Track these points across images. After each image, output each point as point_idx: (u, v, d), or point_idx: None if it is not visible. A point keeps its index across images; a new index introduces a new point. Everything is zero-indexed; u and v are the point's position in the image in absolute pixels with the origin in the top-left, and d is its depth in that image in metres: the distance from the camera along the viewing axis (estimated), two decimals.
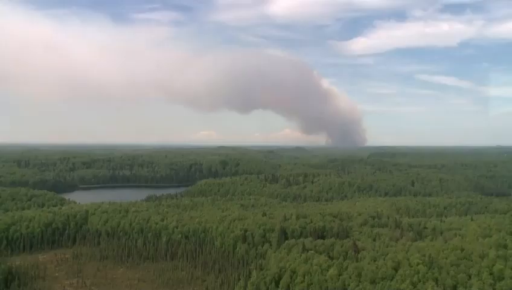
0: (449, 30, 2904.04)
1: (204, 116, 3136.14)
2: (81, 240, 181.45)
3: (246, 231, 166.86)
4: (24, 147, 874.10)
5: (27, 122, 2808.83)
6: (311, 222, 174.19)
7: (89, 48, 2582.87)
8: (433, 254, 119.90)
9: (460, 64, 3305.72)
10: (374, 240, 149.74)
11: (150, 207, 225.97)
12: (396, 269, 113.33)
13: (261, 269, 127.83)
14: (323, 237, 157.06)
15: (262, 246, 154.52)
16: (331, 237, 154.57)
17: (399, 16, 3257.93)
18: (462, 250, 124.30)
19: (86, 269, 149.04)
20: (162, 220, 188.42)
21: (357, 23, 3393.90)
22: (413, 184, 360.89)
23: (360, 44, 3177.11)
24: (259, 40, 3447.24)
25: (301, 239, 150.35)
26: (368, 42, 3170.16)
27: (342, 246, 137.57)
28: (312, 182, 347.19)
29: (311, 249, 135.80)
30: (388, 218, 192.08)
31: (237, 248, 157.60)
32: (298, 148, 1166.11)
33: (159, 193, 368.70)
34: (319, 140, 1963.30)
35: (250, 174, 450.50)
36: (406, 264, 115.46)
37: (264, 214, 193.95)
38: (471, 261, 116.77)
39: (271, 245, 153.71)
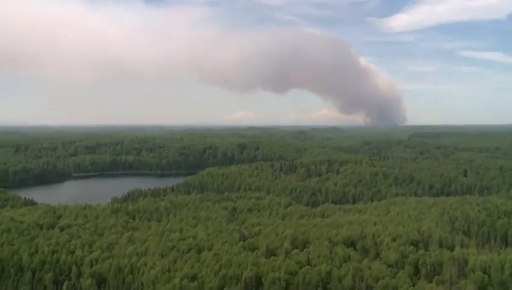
0: (496, 2, 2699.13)
1: (240, 97, 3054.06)
2: None
3: (193, 278, 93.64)
4: (47, 129, 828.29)
5: (57, 104, 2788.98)
6: (309, 260, 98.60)
7: (121, 29, 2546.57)
8: None
9: (508, 38, 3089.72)
10: None
11: (99, 215, 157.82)
12: None
13: None
14: None
15: None
16: None
17: None
18: None
19: None
20: (83, 246, 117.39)
21: None
22: (465, 174, 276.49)
23: (400, 20, 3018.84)
24: (295, 18, 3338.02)
25: None
26: (408, 18, 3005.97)
27: None
28: (337, 173, 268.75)
29: None
30: (441, 246, 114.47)
31: None
32: (333, 129, 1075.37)
33: (157, 183, 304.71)
34: (357, 120, 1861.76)
35: (270, 159, 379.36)
36: None
37: (243, 238, 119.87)
38: None
39: None
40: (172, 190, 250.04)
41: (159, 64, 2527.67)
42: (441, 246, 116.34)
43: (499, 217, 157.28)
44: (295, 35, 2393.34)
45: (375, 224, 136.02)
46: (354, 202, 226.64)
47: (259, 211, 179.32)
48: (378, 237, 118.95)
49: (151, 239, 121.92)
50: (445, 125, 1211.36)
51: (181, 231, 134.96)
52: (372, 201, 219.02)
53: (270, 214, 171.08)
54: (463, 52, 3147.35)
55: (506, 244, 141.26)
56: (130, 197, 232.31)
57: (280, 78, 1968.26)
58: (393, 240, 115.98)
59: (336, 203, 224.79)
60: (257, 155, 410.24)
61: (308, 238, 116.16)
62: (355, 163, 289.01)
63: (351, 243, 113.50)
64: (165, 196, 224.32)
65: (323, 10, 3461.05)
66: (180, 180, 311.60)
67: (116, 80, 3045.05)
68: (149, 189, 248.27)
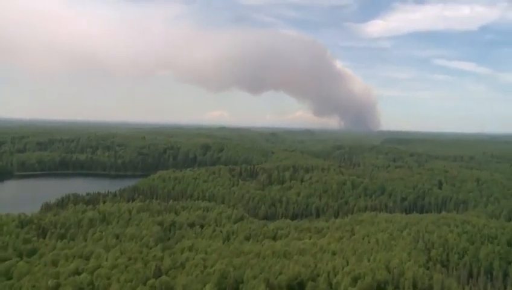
0: (470, 13, 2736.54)
1: (215, 96, 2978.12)
2: None
3: None
4: (5, 123, 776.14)
5: (26, 96, 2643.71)
6: None
7: (95, 22, 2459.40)
8: None
9: (480, 49, 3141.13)
10: None
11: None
12: None
13: None
14: None
15: None
16: None
17: None
18: None
19: None
20: None
21: (375, 4, 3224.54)
22: (440, 186, 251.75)
23: (377, 26, 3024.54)
24: (273, 19, 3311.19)
25: None
26: (385, 25, 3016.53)
27: None
28: (301, 181, 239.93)
29: None
30: (415, 288, 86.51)
31: None
32: (306, 131, 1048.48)
33: (107, 185, 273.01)
34: (332, 123, 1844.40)
35: (234, 162, 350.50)
36: None
37: (157, 274, 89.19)
38: None
39: None
40: (115, 195, 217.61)
41: (134, 60, 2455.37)
42: (415, 288, 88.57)
43: (482, 244, 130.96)
44: (272, 36, 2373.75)
45: (334, 254, 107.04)
46: (317, 215, 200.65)
47: (202, 227, 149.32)
48: (335, 275, 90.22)
49: (33, 273, 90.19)
50: (418, 132, 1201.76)
51: (87, 258, 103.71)
52: (337, 215, 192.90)
53: (213, 231, 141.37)
54: (437, 60, 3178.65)
55: (492, 280, 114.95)
56: (64, 203, 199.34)
57: (256, 78, 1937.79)
58: (354, 280, 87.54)
59: (296, 216, 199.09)
60: (221, 157, 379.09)
61: (242, 277, 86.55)
62: (322, 170, 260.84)
63: (299, 285, 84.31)
64: (104, 203, 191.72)
65: (302, 13, 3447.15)
66: (128, 182, 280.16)
67: (88, 74, 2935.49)
68: (87, 194, 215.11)
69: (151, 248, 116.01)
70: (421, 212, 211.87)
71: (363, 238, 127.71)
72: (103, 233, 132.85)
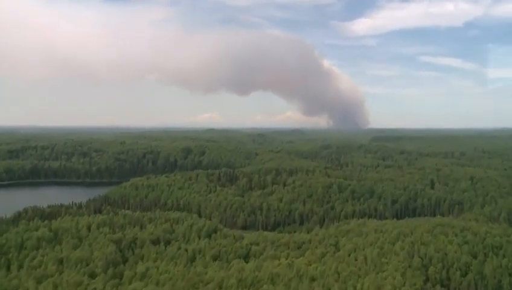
0: (454, 10, 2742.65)
1: (204, 98, 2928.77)
2: None
3: None
4: None
5: (8, 103, 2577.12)
6: None
7: (77, 26, 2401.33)
8: None
9: (465, 45, 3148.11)
10: None
11: None
12: None
13: None
14: None
15: None
16: None
17: None
18: None
19: None
20: None
21: (360, 2, 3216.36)
22: (433, 186, 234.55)
23: (363, 25, 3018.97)
24: (259, 20, 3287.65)
25: None
26: (371, 23, 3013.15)
27: None
28: (284, 185, 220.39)
29: None
30: None
31: None
32: (295, 131, 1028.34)
33: (80, 194, 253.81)
34: (321, 122, 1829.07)
35: (216, 166, 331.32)
36: None
37: None
38: None
39: None
40: (80, 207, 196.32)
41: (120, 64, 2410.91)
42: None
43: (486, 256, 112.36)
44: (259, 36, 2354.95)
45: (313, 280, 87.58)
46: (301, 223, 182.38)
47: (167, 244, 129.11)
48: None
49: None
50: (406, 129, 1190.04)
51: None
52: (322, 222, 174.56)
53: (178, 250, 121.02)
54: (423, 57, 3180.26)
55: None
56: (21, 217, 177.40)
57: (244, 79, 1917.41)
58: None
59: (278, 224, 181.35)
60: (202, 161, 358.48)
61: None
62: (306, 173, 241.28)
63: None
64: (67, 215, 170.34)
65: (287, 13, 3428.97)
66: (102, 190, 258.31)
67: (73, 79, 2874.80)
68: (49, 206, 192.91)
69: (95, 277, 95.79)
70: (414, 215, 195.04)
71: (349, 255, 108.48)
72: (45, 258, 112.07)
